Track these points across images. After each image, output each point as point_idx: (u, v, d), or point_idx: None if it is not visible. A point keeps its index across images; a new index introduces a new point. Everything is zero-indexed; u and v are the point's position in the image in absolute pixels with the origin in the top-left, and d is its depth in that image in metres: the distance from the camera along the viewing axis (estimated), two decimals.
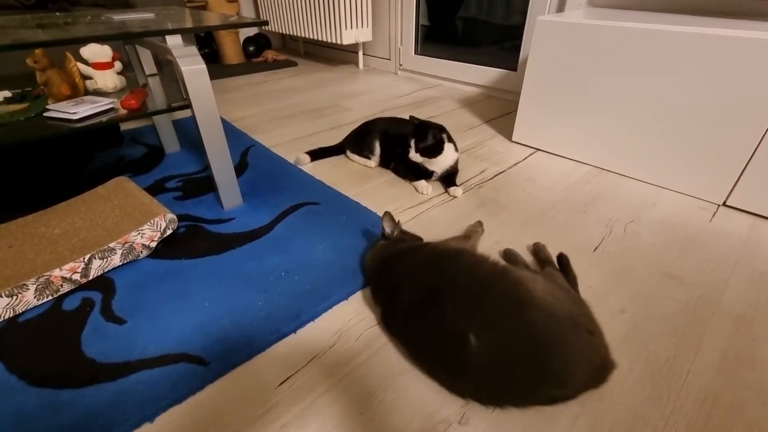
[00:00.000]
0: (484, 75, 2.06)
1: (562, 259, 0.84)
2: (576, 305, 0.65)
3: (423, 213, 1.08)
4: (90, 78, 1.09)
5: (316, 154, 1.37)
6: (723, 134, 1.02)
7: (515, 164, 1.34)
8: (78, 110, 0.91)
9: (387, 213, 0.84)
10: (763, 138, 0.97)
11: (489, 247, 0.94)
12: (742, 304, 0.78)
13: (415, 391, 0.63)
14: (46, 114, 0.94)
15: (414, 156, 1.13)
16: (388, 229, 0.84)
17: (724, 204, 1.08)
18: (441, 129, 1.14)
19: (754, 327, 0.73)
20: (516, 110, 1.44)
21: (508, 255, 0.89)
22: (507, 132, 1.56)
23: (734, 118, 0.99)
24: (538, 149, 1.43)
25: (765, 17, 1.18)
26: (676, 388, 0.63)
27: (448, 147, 1.15)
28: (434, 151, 1.13)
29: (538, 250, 0.89)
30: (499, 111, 1.83)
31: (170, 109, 1.03)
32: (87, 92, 1.07)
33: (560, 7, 1.67)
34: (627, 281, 0.84)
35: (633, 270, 0.87)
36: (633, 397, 0.61)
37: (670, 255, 0.91)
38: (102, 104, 0.95)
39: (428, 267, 0.71)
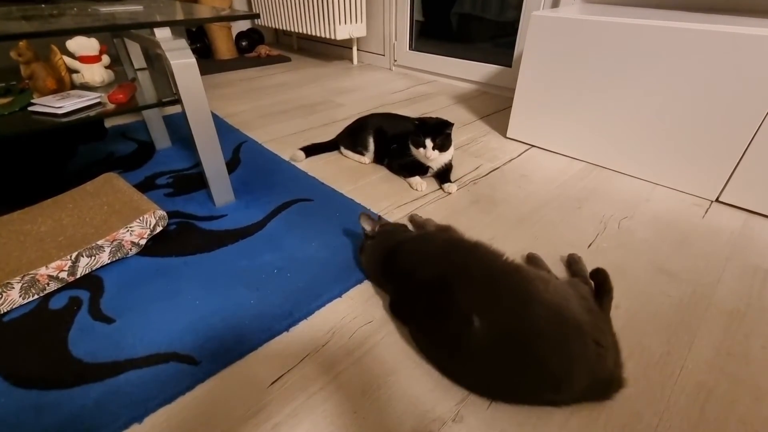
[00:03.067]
0: (479, 71, 2.05)
1: (599, 273, 0.75)
2: (590, 315, 0.62)
3: (417, 209, 1.07)
4: (77, 72, 1.07)
5: (310, 150, 1.35)
6: (716, 131, 1.02)
7: (510, 161, 1.33)
8: (64, 104, 0.89)
9: (362, 214, 0.84)
10: (755, 134, 0.97)
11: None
12: (735, 299, 0.78)
13: (410, 389, 0.62)
14: (30, 108, 0.91)
15: (432, 154, 1.10)
16: (368, 228, 0.83)
17: (717, 200, 1.09)
18: (447, 120, 1.12)
19: (746, 322, 0.73)
20: (511, 106, 1.44)
21: (531, 259, 0.86)
22: (502, 128, 1.56)
23: (727, 115, 0.99)
24: (533, 146, 1.43)
25: (759, 14, 1.18)
26: (669, 383, 0.63)
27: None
28: (447, 142, 1.12)
29: (571, 262, 0.84)
30: (493, 107, 1.83)
31: (159, 104, 1.01)
32: (74, 86, 1.05)
33: (555, 3, 1.66)
34: (621, 277, 0.83)
35: (627, 266, 0.87)
36: (627, 393, 0.61)
37: (664, 251, 0.91)
38: (89, 98, 0.93)
39: (443, 254, 0.72)
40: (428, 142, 1.09)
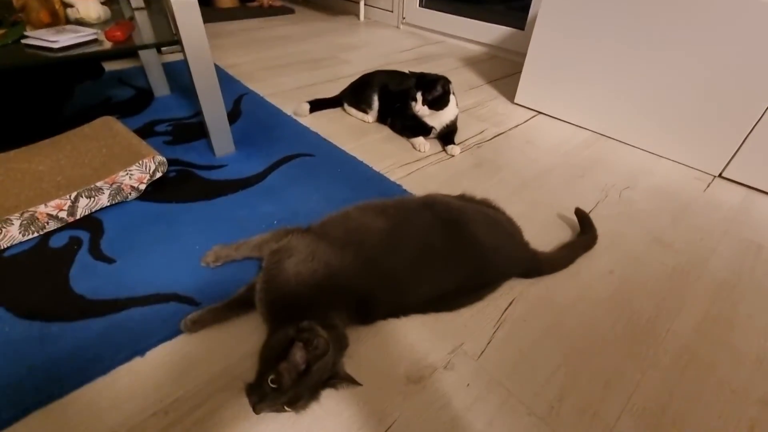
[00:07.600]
0: (490, 33, 1.98)
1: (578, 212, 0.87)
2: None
3: (419, 170, 1.06)
4: (71, 6, 1.02)
5: (314, 105, 1.32)
6: (725, 106, 1.00)
7: (515, 126, 1.31)
8: (59, 39, 0.85)
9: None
10: (765, 111, 0.95)
11: None
12: (727, 271, 0.79)
13: (404, 338, 0.64)
14: (24, 41, 0.88)
15: (421, 109, 1.08)
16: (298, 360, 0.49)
17: (720, 175, 1.08)
18: (446, 79, 1.09)
19: (735, 292, 0.75)
20: (520, 72, 1.40)
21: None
22: (509, 93, 1.52)
23: (738, 90, 0.97)
24: (540, 112, 1.40)
25: None
26: (654, 344, 0.65)
27: (452, 99, 1.11)
28: (441, 101, 1.09)
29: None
30: (502, 72, 1.78)
31: (159, 44, 0.97)
32: (68, 21, 1.00)
33: None
34: (618, 244, 0.84)
35: (625, 234, 0.88)
36: (613, 352, 0.63)
37: (662, 222, 0.92)
38: (85, 34, 0.89)
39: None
40: (419, 96, 1.07)
